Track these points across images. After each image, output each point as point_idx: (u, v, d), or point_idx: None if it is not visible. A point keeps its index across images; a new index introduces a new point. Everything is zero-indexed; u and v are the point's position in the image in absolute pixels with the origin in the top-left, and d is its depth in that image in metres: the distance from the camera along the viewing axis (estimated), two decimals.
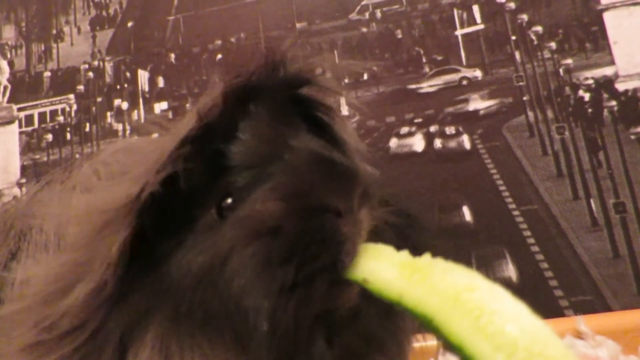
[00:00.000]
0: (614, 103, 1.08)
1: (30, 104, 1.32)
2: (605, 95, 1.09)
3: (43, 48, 1.35)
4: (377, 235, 0.39)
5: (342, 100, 0.50)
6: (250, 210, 0.39)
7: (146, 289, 0.38)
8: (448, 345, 0.31)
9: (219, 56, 1.24)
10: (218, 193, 0.40)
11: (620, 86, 1.09)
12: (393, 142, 1.13)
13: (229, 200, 0.40)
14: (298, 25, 1.22)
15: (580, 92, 1.10)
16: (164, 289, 0.38)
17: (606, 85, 1.09)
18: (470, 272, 0.33)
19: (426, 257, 0.35)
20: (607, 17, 1.13)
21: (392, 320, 0.43)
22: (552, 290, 1.01)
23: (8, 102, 1.33)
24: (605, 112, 1.08)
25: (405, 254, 0.35)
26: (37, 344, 0.38)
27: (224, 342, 0.36)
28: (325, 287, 0.37)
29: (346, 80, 0.46)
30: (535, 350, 0.28)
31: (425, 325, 0.32)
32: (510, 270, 1.02)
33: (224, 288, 0.37)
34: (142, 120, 1.25)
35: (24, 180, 1.27)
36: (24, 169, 1.27)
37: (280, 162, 0.40)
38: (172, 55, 1.27)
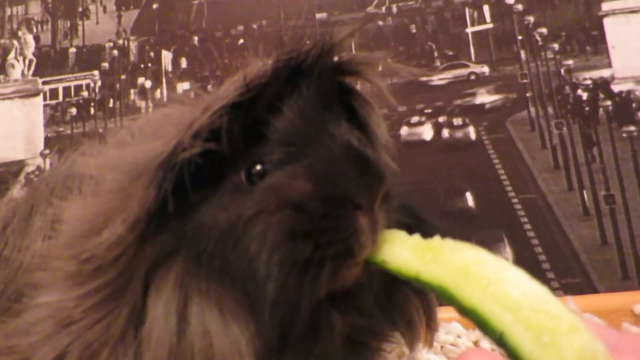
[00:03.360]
0: (609, 103, 1.15)
1: (55, 78, 1.36)
2: (601, 95, 1.16)
3: (69, 25, 1.39)
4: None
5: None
6: (280, 181, 0.41)
7: (173, 232, 0.41)
8: (462, 310, 0.36)
9: (241, 41, 1.30)
10: (250, 158, 0.42)
11: (616, 87, 1.17)
12: (404, 130, 1.19)
13: (258, 167, 0.42)
14: (318, 15, 1.28)
15: (579, 92, 1.17)
16: (189, 235, 0.40)
17: (603, 86, 1.17)
18: (477, 248, 0.37)
19: (437, 238, 0.39)
20: (607, 22, 1.20)
21: (397, 297, 0.47)
22: (545, 272, 1.07)
23: (33, 75, 1.37)
24: (601, 111, 1.15)
25: (417, 237, 0.40)
26: (76, 274, 0.41)
27: (236, 295, 0.39)
28: (334, 271, 0.40)
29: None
30: (536, 307, 0.33)
31: (441, 295, 0.37)
32: (507, 253, 1.09)
33: (244, 246, 0.39)
34: (165, 99, 1.30)
35: (47, 152, 1.31)
36: (47, 141, 1.31)
37: (317, 145, 0.41)
38: (196, 38, 1.32)
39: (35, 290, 0.44)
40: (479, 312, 0.34)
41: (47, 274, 0.43)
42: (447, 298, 0.37)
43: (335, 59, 0.44)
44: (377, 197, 0.40)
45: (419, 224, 0.45)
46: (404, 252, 0.40)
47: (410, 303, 0.48)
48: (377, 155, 0.46)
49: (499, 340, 0.34)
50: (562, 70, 1.19)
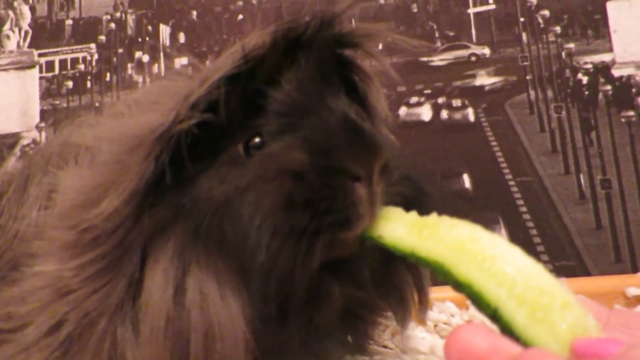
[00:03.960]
0: (609, 87, 1.15)
1: (51, 50, 1.34)
2: (601, 80, 1.16)
3: None
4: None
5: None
6: (276, 151, 0.41)
7: (170, 204, 0.41)
8: (457, 286, 0.36)
9: (240, 17, 1.28)
10: (248, 130, 0.42)
11: (616, 72, 1.16)
12: (402, 111, 1.19)
13: (257, 140, 0.42)
14: None
15: (579, 75, 1.17)
16: (187, 207, 0.41)
17: (603, 70, 1.16)
18: (473, 225, 0.38)
19: (433, 216, 0.40)
20: (610, 7, 1.19)
21: (391, 272, 0.47)
22: (539, 255, 1.08)
23: (29, 47, 1.35)
24: (600, 96, 1.15)
25: (413, 214, 0.41)
26: (74, 244, 0.41)
27: (232, 265, 0.39)
28: (330, 241, 0.40)
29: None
30: (530, 283, 0.34)
31: (436, 271, 0.38)
32: (503, 235, 1.10)
33: (239, 215, 0.40)
34: (162, 74, 1.29)
35: (43, 124, 1.30)
36: (43, 113, 1.30)
37: (315, 117, 0.41)
38: (194, 13, 1.30)
39: (32, 259, 0.44)
40: (474, 288, 0.35)
41: (44, 243, 0.44)
42: (442, 274, 0.37)
43: (336, 30, 0.44)
44: (374, 169, 0.40)
45: (420, 196, 0.44)
46: (400, 228, 0.40)
47: (404, 281, 0.48)
48: (376, 128, 0.46)
49: (493, 315, 0.34)
50: (563, 54, 1.19)
